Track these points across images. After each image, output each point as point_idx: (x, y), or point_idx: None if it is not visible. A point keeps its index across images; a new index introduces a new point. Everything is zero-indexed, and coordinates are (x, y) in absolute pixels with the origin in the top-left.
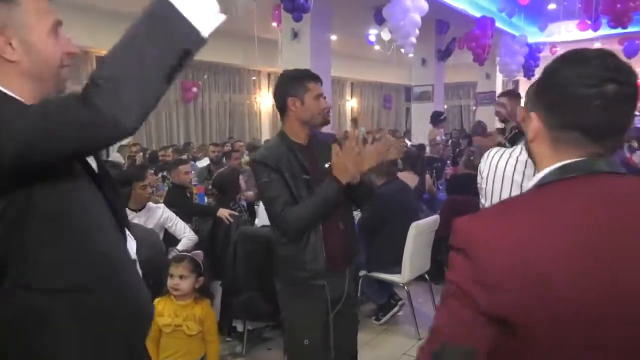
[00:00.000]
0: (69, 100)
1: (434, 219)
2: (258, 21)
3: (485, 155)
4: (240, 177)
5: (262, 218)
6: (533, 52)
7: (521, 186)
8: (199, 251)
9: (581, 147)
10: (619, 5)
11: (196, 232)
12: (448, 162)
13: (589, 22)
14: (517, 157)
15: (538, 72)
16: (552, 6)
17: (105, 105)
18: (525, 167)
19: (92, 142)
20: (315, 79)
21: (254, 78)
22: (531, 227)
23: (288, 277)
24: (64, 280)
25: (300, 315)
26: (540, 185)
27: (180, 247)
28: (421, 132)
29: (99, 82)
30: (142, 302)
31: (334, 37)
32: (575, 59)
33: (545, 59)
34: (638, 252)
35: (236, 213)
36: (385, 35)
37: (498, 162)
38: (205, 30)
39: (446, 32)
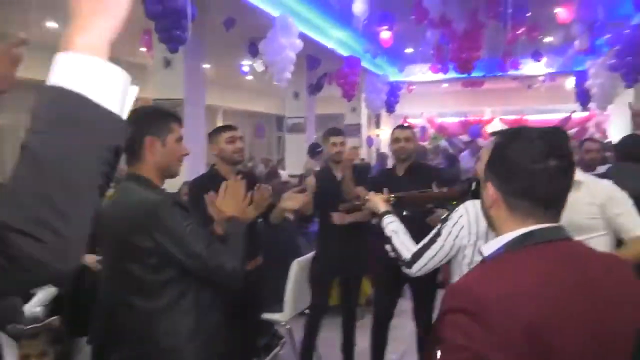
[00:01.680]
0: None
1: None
2: (124, 44)
3: (465, 212)
4: None
5: None
6: (394, 89)
7: None
8: (53, 317)
9: (534, 214)
10: (464, 55)
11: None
12: None
13: (439, 67)
14: None
15: (398, 108)
16: (409, 50)
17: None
18: None
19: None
20: (180, 122)
21: None
22: (534, 289)
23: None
24: None
25: None
26: (514, 248)
27: (34, 303)
28: (295, 164)
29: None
30: None
31: (207, 65)
32: (521, 136)
33: (404, 96)
34: (610, 298)
35: None
36: (259, 67)
37: None
38: (124, 113)
39: (317, 68)
